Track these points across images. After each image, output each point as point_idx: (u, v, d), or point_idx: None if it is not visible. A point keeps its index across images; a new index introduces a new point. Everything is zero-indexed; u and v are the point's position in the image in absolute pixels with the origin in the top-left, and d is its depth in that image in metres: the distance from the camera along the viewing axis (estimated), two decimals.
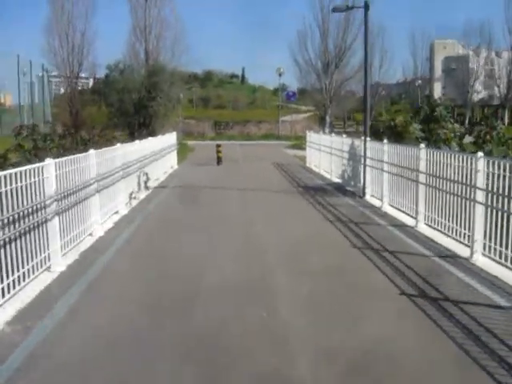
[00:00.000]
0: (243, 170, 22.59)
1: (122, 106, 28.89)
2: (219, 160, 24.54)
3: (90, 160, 9.77)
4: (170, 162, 23.01)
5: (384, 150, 12.73)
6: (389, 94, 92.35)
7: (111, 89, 28.74)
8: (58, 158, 8.14)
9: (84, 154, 9.55)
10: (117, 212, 12.06)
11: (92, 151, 10.02)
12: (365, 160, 14.20)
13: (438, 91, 77.04)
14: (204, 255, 8.38)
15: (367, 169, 14.19)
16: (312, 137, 24.12)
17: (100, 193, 10.41)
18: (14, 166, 10.96)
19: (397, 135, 17.08)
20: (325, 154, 20.71)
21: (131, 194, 13.42)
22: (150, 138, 18.78)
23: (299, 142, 37.20)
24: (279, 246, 8.96)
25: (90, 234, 9.60)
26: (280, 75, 43.30)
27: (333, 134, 21.76)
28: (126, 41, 41.21)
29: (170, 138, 23.38)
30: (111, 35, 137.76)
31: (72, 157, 8.74)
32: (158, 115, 29.34)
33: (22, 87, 41.93)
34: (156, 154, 18.37)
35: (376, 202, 13.18)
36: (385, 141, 13.05)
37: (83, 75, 42.58)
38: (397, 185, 11.83)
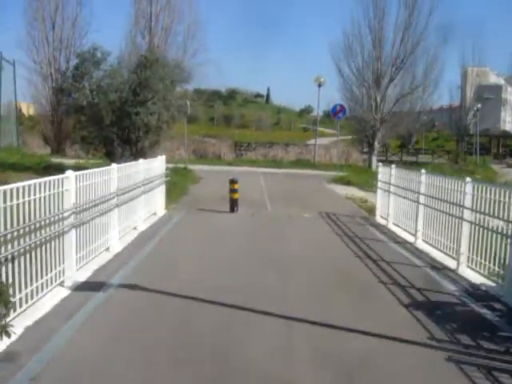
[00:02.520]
0: (275, 231, 13.15)
1: (94, 113, 19.61)
2: (234, 204, 15.22)
3: None
4: (149, 208, 13.70)
5: None
6: (431, 120, 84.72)
7: (80, 87, 19.46)
8: None
9: None
10: None
11: None
12: None
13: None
14: None
15: None
16: (387, 174, 14.61)
17: None
18: None
19: None
20: (431, 211, 11.33)
21: None
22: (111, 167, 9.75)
23: (346, 175, 27.63)
24: None
25: None
26: (320, 85, 33.88)
27: (422, 171, 12.28)
28: (125, 32, 32.61)
29: (152, 166, 14.04)
30: (110, 25, 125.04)
31: None
32: (149, 128, 19.98)
33: None
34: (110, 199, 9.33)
35: None
36: None
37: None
38: None
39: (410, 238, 12.01)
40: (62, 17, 35.82)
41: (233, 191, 15.28)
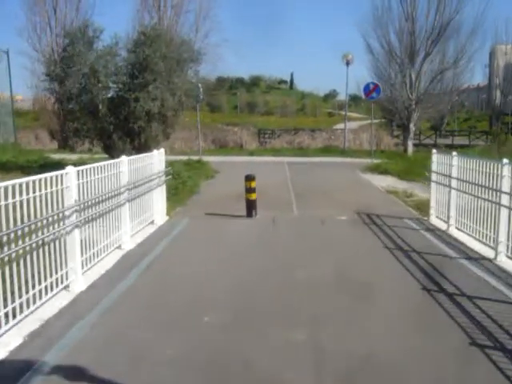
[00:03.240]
0: (303, 246, 9.88)
1: (88, 101, 16.71)
2: (251, 206, 12.22)
3: None
4: (143, 217, 10.77)
5: None
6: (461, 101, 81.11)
7: (70, 72, 16.52)
8: None
9: None
10: None
11: None
12: None
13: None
14: None
15: None
16: (445, 164, 11.38)
17: None
18: None
19: None
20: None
21: None
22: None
23: (382, 163, 24.37)
24: None
25: None
26: (348, 63, 30.55)
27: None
28: (133, 13, 29.70)
29: (145, 163, 11.08)
30: (117, 8, 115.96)
31: None
32: (152, 116, 17.07)
33: None
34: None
35: None
36: None
37: None
38: None
39: (488, 252, 8.87)
40: (64, 0, 32.97)
41: (249, 191, 12.24)
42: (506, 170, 8.36)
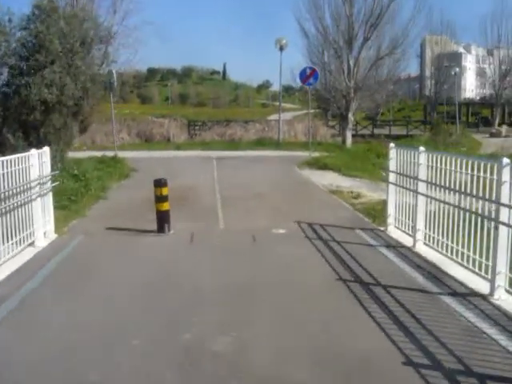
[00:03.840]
0: (231, 280, 7.23)
1: None
2: (163, 219, 9.54)
3: None
4: (19, 237, 7.99)
5: None
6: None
7: None
8: None
9: None
10: None
11: None
12: None
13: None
14: None
15: None
16: (408, 162, 8.95)
17: None
18: None
19: None
20: None
21: None
22: None
23: (320, 157, 21.98)
24: None
25: None
26: (281, 49, 27.96)
27: None
28: None
29: (25, 165, 8.26)
30: None
31: None
32: (51, 108, 14.08)
33: None
34: None
35: None
36: None
37: None
38: None
39: (479, 283, 6.51)
40: None
41: (160, 199, 9.53)
42: (506, 173, 5.98)
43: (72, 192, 12.93)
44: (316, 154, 23.23)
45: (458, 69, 58.06)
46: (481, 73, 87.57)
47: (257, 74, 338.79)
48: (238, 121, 43.42)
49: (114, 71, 19.52)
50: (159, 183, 9.50)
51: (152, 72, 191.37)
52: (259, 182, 15.83)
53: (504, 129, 47.93)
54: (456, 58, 74.11)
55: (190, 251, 8.66)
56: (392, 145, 9.82)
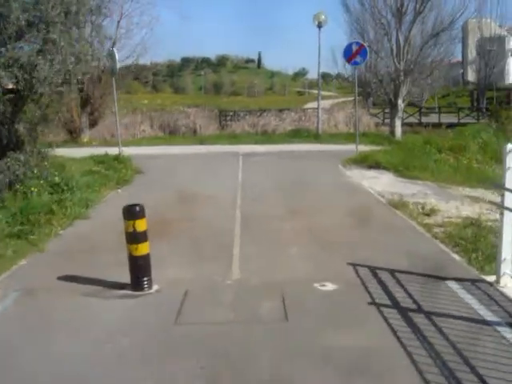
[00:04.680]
0: None
1: None
2: (140, 269, 5.90)
3: None
4: None
5: None
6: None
7: None
8: None
9: None
10: None
11: None
12: None
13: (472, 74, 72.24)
14: None
15: None
16: None
17: None
18: None
19: None
20: None
21: None
22: None
23: (369, 153, 17.96)
24: None
25: None
26: (320, 26, 24.09)
27: None
28: None
29: None
30: None
31: None
32: (20, 98, 10.65)
33: None
34: None
35: None
36: None
37: None
38: None
39: None
40: None
41: (134, 239, 5.90)
42: None
43: (41, 209, 9.47)
44: (363, 148, 19.34)
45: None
46: None
47: (293, 62, 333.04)
48: (271, 110, 39.63)
49: (115, 51, 15.95)
50: (132, 213, 5.88)
51: (186, 61, 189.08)
52: (295, 191, 12.09)
53: None
54: (500, 42, 69.01)
55: (170, 335, 5.02)
56: (510, 147, 5.97)
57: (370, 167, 16.07)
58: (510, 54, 71.72)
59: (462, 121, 42.97)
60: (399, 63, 25.14)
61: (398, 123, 26.49)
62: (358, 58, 18.08)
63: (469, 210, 10.23)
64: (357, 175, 14.67)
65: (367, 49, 18.55)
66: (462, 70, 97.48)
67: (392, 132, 26.49)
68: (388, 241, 8.02)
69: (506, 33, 73.14)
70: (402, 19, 24.86)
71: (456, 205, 10.86)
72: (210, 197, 11.21)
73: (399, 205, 10.50)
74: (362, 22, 25.53)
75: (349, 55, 18.28)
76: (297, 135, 26.22)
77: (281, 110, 38.59)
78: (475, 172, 16.28)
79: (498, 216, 6.59)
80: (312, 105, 43.07)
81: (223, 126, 35.50)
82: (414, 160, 16.73)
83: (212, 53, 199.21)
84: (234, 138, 25.60)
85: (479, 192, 12.98)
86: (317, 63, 26.03)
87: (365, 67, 26.80)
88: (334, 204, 10.67)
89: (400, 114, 26.60)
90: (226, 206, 10.66)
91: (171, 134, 32.36)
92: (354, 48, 17.97)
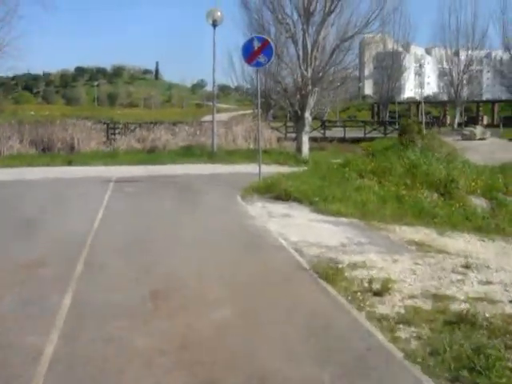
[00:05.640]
0: None
1: None
2: None
3: None
4: None
5: None
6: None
7: None
8: None
9: None
10: None
11: None
12: None
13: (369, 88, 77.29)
14: None
15: None
16: None
17: None
18: None
19: None
20: None
21: None
22: None
23: (275, 179, 14.03)
24: None
25: None
26: (214, 24, 20.31)
27: None
28: None
29: None
30: None
31: None
32: None
33: None
34: None
35: None
36: None
37: None
38: None
39: None
40: None
41: None
42: None
43: None
44: (266, 169, 15.67)
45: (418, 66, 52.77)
46: (419, 72, 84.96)
47: (192, 73, 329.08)
48: (164, 122, 35.33)
49: None
50: None
51: (80, 71, 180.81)
52: (167, 251, 8.00)
53: (479, 130, 40.94)
54: (396, 57, 69.49)
55: None
56: None
57: (278, 198, 12.35)
58: (405, 69, 72.20)
59: (368, 135, 40.84)
60: (306, 70, 21.79)
61: (304, 139, 23.14)
62: (262, 58, 13.76)
63: (431, 276, 6.77)
64: (261, 213, 10.78)
65: (273, 45, 14.40)
66: (360, 84, 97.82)
67: (299, 149, 23.11)
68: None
69: (401, 48, 73.95)
70: (309, 19, 21.54)
71: (408, 264, 7.34)
72: (29, 264, 6.98)
73: (330, 273, 6.70)
74: (261, 20, 21.91)
75: (249, 54, 14.06)
76: (189, 153, 22.26)
77: (174, 123, 34.36)
78: (407, 202, 13.02)
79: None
80: (210, 117, 39.37)
81: (110, 141, 30.76)
82: (332, 187, 13.29)
83: (108, 63, 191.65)
84: (113, 158, 21.21)
85: (421, 233, 9.74)
86: (215, 74, 22.26)
87: (264, 74, 23.33)
88: (227, 278, 6.68)
89: (307, 128, 23.25)
90: (51, 282, 6.45)
91: (44, 151, 27.46)
92: (256, 45, 13.77)
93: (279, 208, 11.37)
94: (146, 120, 43.73)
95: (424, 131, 33.10)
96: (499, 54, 66.35)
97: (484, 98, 71.27)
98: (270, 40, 13.82)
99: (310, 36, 21.71)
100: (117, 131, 33.17)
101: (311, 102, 22.53)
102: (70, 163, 19.69)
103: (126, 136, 31.33)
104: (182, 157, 21.27)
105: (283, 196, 12.34)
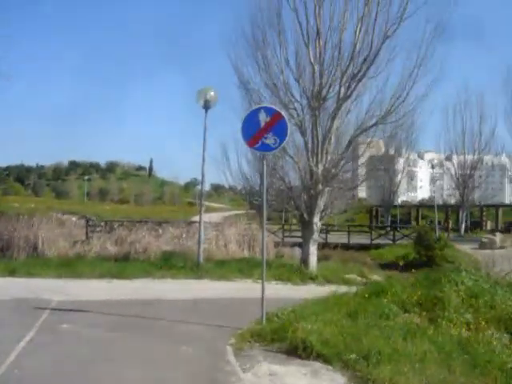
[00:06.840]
0: None
1: None
2: None
3: None
4: None
5: None
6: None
7: None
8: None
9: None
10: None
11: None
12: None
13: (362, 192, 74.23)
14: None
15: None
16: None
17: None
18: None
19: None
20: None
21: None
22: None
23: (289, 319, 9.49)
24: None
25: None
26: (206, 107, 16.47)
27: None
28: None
29: None
30: None
31: None
32: None
33: None
34: None
35: None
36: None
37: None
38: None
39: None
40: None
41: None
42: None
43: None
44: (268, 290, 11.13)
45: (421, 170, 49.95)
46: (412, 176, 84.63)
47: (185, 171, 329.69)
48: (148, 221, 30.94)
49: None
50: None
51: (74, 165, 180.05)
52: None
53: (499, 237, 36.92)
54: (389, 161, 67.85)
55: None
56: None
57: (291, 353, 7.86)
58: (399, 173, 69.95)
59: (374, 241, 36.75)
60: (316, 166, 17.83)
61: (312, 249, 18.87)
62: (271, 138, 9.42)
63: None
64: None
65: (286, 121, 9.87)
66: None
67: (304, 261, 18.76)
68: None
69: (393, 151, 72.52)
70: (320, 105, 17.81)
71: None
72: None
73: None
74: (260, 101, 17.91)
75: (253, 132, 9.47)
76: (169, 263, 17.80)
77: (159, 223, 29.93)
78: (477, 353, 8.57)
79: None
80: (195, 218, 35.50)
81: (89, 239, 26.21)
82: (371, 332, 8.79)
83: (103, 157, 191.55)
84: (70, 267, 16.67)
85: None
86: (208, 173, 18.28)
87: (260, 170, 19.35)
88: None
89: (316, 236, 18.98)
90: None
91: (2, 251, 22.95)
92: (263, 119, 9.33)
93: (297, 377, 6.85)
94: (133, 217, 40.83)
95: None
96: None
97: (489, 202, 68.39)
98: (282, 114, 9.34)
99: (322, 126, 17.90)
100: (98, 229, 28.77)
101: (321, 203, 18.44)
102: (11, 273, 15.21)
103: (106, 234, 26.87)
104: (159, 269, 16.85)
105: (300, 349, 7.84)
